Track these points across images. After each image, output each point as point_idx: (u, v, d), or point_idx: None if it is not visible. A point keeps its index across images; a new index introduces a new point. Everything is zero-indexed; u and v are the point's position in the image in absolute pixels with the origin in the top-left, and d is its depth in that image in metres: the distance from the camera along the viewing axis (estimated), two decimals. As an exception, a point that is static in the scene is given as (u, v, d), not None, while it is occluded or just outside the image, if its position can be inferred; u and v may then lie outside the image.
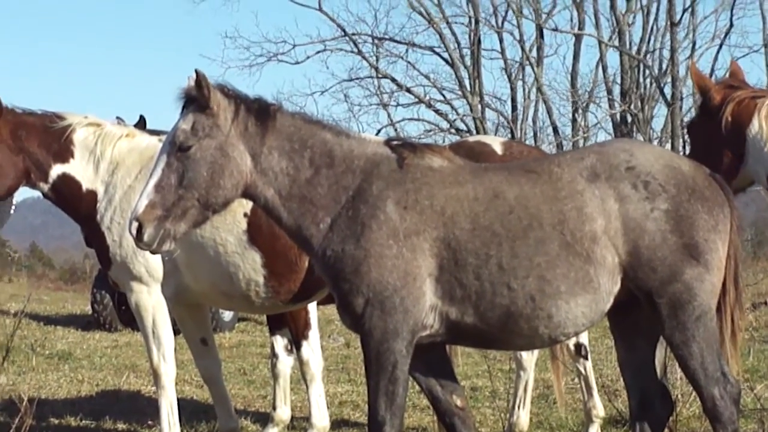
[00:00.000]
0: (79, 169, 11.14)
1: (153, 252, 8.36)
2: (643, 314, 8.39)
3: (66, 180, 11.15)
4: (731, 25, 40.37)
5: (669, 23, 38.67)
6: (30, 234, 63.38)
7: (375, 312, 8.07)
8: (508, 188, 8.26)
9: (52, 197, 11.29)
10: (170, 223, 8.03)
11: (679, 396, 10.43)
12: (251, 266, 10.86)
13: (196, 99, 8.07)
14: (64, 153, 11.13)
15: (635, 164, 8.29)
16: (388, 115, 42.76)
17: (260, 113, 8.22)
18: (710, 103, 9.04)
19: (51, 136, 11.13)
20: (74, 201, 11.22)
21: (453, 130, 39.15)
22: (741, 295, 8.65)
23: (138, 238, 8.05)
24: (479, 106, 41.01)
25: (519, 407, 12.07)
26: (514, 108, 41.86)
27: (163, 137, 8.75)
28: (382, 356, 8.12)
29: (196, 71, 8.00)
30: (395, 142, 8.55)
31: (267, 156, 8.18)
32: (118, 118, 11.88)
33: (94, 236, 11.23)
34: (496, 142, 11.80)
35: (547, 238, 8.13)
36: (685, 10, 39.87)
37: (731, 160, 8.78)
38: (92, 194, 11.14)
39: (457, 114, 41.93)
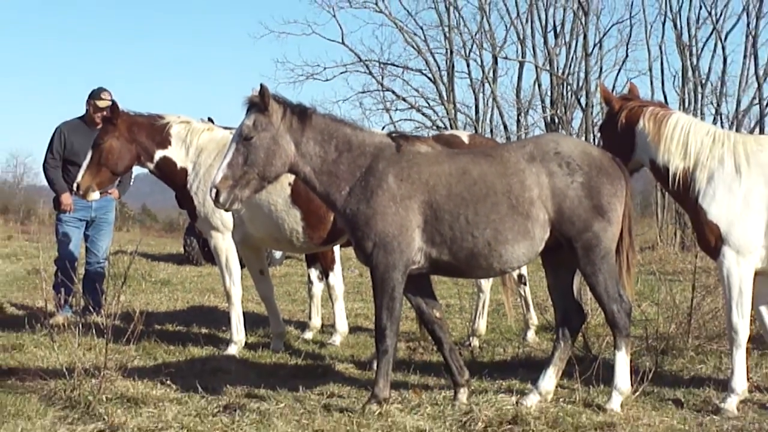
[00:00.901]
0: (175, 153, 11.19)
1: (226, 210, 8.52)
2: (564, 254, 8.36)
3: (166, 161, 11.21)
4: (626, 56, 40.27)
5: (584, 53, 38.52)
6: (141, 198, 63.16)
7: (380, 252, 8.12)
8: (473, 167, 8.30)
9: (157, 173, 11.38)
10: (238, 190, 8.21)
11: (589, 311, 10.36)
12: (294, 220, 10.93)
13: (257, 104, 8.26)
14: (165, 142, 11.18)
15: (561, 150, 8.34)
16: (390, 118, 42.64)
17: (301, 114, 8.37)
18: (612, 110, 9.02)
19: (155, 130, 11.19)
20: (172, 175, 11.26)
21: (435, 128, 38.98)
22: (633, 241, 8.65)
23: (215, 200, 8.24)
24: (453, 111, 40.89)
25: (479, 318, 12.09)
26: (477, 112, 41.65)
27: (233, 131, 8.78)
28: (385, 282, 8.18)
29: (261, 84, 8.26)
30: (395, 134, 8.64)
31: (306, 144, 8.31)
32: (209, 118, 11.87)
33: (185, 199, 11.31)
34: (464, 135, 11.79)
35: (499, 202, 8.17)
36: (595, 45, 39.76)
37: (626, 150, 8.75)
38: (184, 170, 11.19)
39: (438, 116, 41.78)
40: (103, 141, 11.02)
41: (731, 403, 8.35)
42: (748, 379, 8.68)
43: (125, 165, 11.21)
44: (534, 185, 8.18)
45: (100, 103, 13.06)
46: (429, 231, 8.19)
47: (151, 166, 11.25)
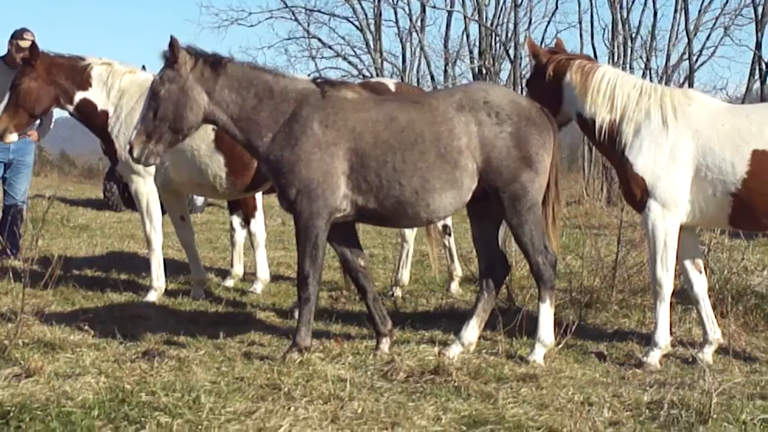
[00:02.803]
0: (96, 95, 11.08)
1: (144, 165, 8.61)
2: (490, 204, 8.41)
3: (86, 103, 11.10)
4: (556, 8, 40.44)
5: (513, 4, 38.61)
6: (60, 143, 62.44)
7: (304, 199, 8.12)
8: (400, 114, 8.29)
9: (76, 115, 11.28)
10: (152, 145, 8.29)
11: (514, 262, 10.44)
12: (217, 165, 10.91)
13: (167, 56, 8.33)
14: (85, 84, 11.07)
15: (490, 99, 8.35)
16: (316, 66, 42.54)
17: (214, 63, 8.37)
18: (539, 63, 9.05)
19: (75, 71, 11.07)
20: (92, 118, 11.17)
21: (361, 77, 38.88)
22: (560, 193, 8.73)
23: (131, 155, 8.32)
24: (380, 60, 40.84)
25: (402, 268, 12.14)
26: (404, 62, 41.67)
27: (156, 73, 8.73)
28: (309, 230, 8.18)
29: (170, 36, 8.33)
30: (320, 80, 8.62)
31: (220, 92, 8.34)
32: (143, 66, 11.76)
33: (106, 143, 11.25)
34: (391, 83, 11.76)
35: (427, 150, 8.17)
36: (525, -5, 39.96)
37: (553, 103, 8.79)
38: (105, 113, 11.10)
39: (365, 65, 41.76)
40: (20, 82, 10.87)
41: (654, 357, 8.45)
42: (671, 334, 8.80)
43: (43, 107, 11.08)
44: (463, 134, 8.19)
45: (22, 43, 12.83)
46: (355, 178, 8.18)
47: (71, 108, 11.12)
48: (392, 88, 11.38)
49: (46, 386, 7.11)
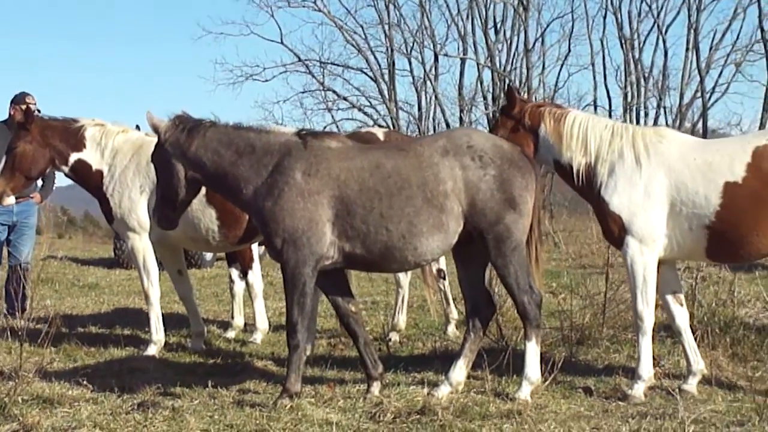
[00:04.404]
0: (90, 155, 11.41)
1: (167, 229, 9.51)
2: (475, 247, 8.63)
3: (81, 164, 11.44)
4: (569, 51, 40.81)
5: (525, 49, 38.97)
6: (84, 205, 62.84)
7: (290, 248, 8.38)
8: (386, 161, 8.54)
9: (72, 176, 11.60)
10: (169, 212, 9.11)
11: (502, 302, 10.68)
12: (209, 219, 11.18)
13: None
14: (79, 145, 11.41)
15: (473, 144, 8.60)
16: (333, 117, 42.98)
17: (191, 129, 8.84)
18: (512, 111, 9.37)
19: (69, 133, 11.43)
20: (87, 178, 11.49)
21: (377, 127, 39.30)
22: (541, 233, 8.97)
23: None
24: (395, 110, 41.20)
25: (398, 313, 12.35)
26: (419, 110, 42.04)
27: (149, 134, 9.15)
28: (296, 278, 8.43)
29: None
30: (304, 131, 8.91)
31: (194, 153, 8.77)
32: (136, 126, 12.09)
33: (102, 202, 11.52)
34: (380, 132, 12.04)
35: (414, 195, 8.41)
36: (536, 40, 40.29)
37: (532, 149, 9.12)
38: (99, 173, 11.41)
39: (380, 115, 42.13)
40: (16, 146, 11.25)
41: (638, 390, 8.66)
42: (658, 366, 9.02)
43: (39, 169, 11.44)
44: (448, 178, 8.44)
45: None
46: (341, 225, 8.41)
47: (66, 169, 11.46)
48: (381, 137, 11.63)
49: (42, 441, 7.38)
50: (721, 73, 39.50)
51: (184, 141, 8.76)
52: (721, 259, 9.60)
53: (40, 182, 13.62)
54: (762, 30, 37.97)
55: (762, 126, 35.88)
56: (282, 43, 42.50)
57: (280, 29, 53.33)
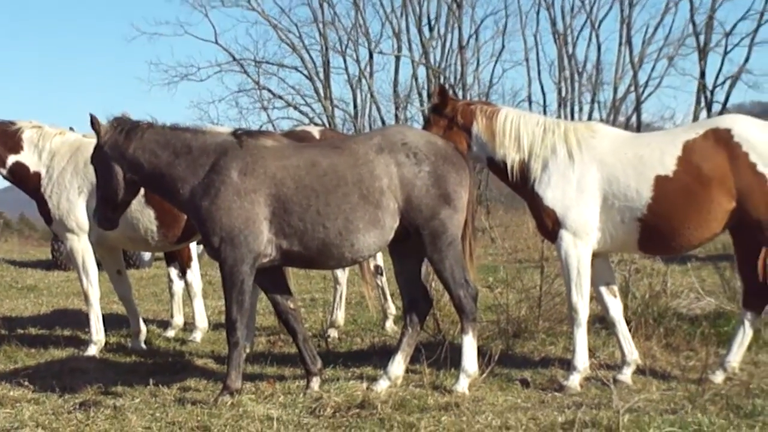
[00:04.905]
0: (27, 157, 11.47)
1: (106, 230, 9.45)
2: (410, 243, 8.74)
3: (19, 166, 11.52)
4: (503, 47, 41.05)
5: (459, 46, 39.16)
6: (20, 207, 62.31)
7: (227, 246, 8.45)
8: (322, 159, 8.62)
9: (10, 178, 11.67)
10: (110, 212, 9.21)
11: (438, 297, 10.79)
12: (148, 219, 11.24)
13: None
14: (17, 147, 11.49)
15: (407, 141, 8.70)
16: (268, 116, 42.98)
17: (129, 131, 8.92)
18: (444, 110, 9.46)
19: (6, 135, 11.50)
20: (25, 180, 11.56)
21: (313, 125, 39.33)
22: (476, 228, 9.09)
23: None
24: (330, 108, 41.28)
25: (336, 309, 12.48)
26: (355, 108, 42.16)
27: (88, 136, 9.17)
28: (234, 276, 8.51)
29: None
30: (239, 131, 8.96)
31: (132, 155, 8.85)
32: (70, 128, 12.09)
33: (40, 203, 11.55)
34: (316, 130, 12.15)
35: (350, 192, 8.51)
36: (470, 37, 40.51)
37: (465, 146, 9.23)
38: (37, 174, 11.48)
39: (316, 113, 42.22)
40: None
41: (574, 381, 8.84)
42: (593, 357, 9.19)
43: None
44: (383, 175, 8.53)
45: None
46: (278, 223, 8.49)
47: (5, 171, 11.54)
48: (317, 135, 11.71)
49: (-17, 442, 7.40)
50: (654, 67, 39.98)
51: (123, 143, 8.84)
52: (654, 251, 9.79)
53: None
54: (693, 24, 38.52)
55: (695, 119, 36.26)
56: (217, 42, 42.58)
57: (214, 29, 52.93)
